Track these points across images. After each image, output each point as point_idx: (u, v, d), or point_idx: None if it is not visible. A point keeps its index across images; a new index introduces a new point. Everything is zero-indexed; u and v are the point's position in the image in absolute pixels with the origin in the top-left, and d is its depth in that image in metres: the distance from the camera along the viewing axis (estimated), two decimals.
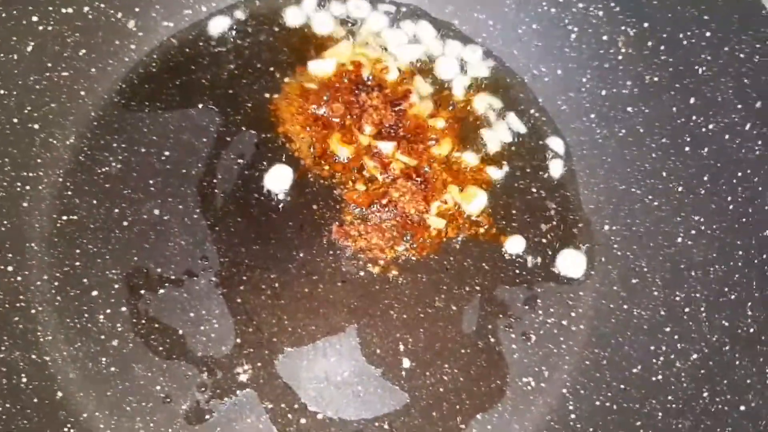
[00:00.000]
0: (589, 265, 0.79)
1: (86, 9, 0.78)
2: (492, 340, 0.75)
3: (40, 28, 0.75)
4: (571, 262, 0.80)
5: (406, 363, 0.73)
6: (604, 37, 0.81)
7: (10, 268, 0.71)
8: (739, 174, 0.69)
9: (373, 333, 0.74)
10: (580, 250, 0.80)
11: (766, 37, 0.67)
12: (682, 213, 0.74)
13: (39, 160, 0.76)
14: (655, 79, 0.77)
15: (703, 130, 0.73)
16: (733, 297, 0.67)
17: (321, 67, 0.85)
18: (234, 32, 0.87)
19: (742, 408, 0.62)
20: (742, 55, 0.69)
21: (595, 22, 0.81)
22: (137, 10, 0.82)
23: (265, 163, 0.80)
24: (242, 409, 0.70)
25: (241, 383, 0.70)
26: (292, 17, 0.88)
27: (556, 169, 0.84)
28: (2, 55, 0.73)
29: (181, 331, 0.72)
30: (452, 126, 0.84)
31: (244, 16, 0.88)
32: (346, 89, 0.84)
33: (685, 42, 0.74)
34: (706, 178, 0.72)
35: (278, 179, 0.79)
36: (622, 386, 0.71)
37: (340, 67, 0.85)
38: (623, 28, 0.79)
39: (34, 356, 0.69)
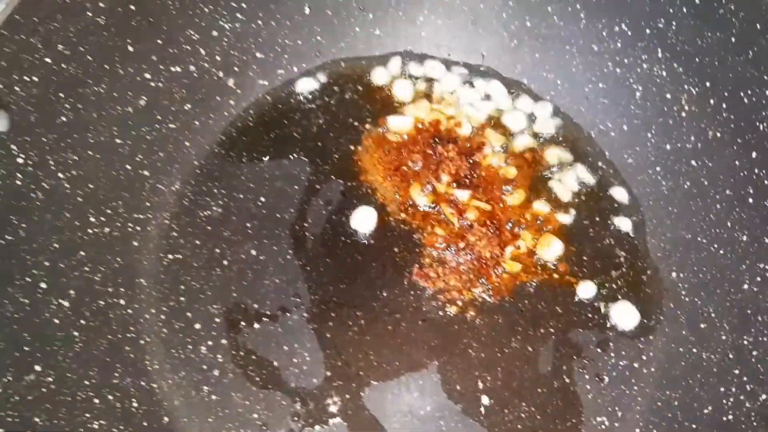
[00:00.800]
0: (656, 311, 0.84)
1: (192, 68, 0.87)
2: (567, 380, 0.78)
3: (152, 84, 0.84)
4: (625, 315, 0.83)
5: (485, 400, 0.77)
6: (668, 95, 0.86)
7: (122, 302, 0.78)
8: None
9: (453, 370, 0.78)
10: (633, 302, 0.84)
11: None
12: (747, 261, 0.77)
13: (148, 204, 0.83)
14: (718, 134, 0.82)
15: (765, 182, 0.78)
16: None
17: (400, 123, 0.92)
18: (322, 90, 0.95)
19: None
20: None
21: (659, 82, 0.86)
22: (236, 69, 0.91)
23: (351, 209, 0.86)
24: None
25: (331, 413, 0.75)
26: (378, 77, 0.96)
27: (623, 218, 0.89)
28: (119, 108, 0.81)
29: (276, 363, 0.77)
30: (524, 176, 0.90)
31: (329, 78, 0.96)
32: (423, 142, 0.91)
33: (746, 100, 0.78)
34: None
35: (363, 221, 0.86)
36: (694, 426, 0.74)
37: (418, 122, 0.92)
38: (686, 87, 0.84)
39: (143, 383, 0.75)
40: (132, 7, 0.78)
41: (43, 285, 0.71)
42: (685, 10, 0.80)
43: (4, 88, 0.67)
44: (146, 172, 0.83)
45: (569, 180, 0.90)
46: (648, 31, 0.85)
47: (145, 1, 0.79)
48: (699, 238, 0.84)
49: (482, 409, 0.77)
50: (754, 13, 0.75)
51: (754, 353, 0.75)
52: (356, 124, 0.93)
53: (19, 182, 0.70)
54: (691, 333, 0.80)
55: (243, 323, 0.79)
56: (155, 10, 0.81)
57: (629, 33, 0.87)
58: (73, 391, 0.69)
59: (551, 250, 0.85)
